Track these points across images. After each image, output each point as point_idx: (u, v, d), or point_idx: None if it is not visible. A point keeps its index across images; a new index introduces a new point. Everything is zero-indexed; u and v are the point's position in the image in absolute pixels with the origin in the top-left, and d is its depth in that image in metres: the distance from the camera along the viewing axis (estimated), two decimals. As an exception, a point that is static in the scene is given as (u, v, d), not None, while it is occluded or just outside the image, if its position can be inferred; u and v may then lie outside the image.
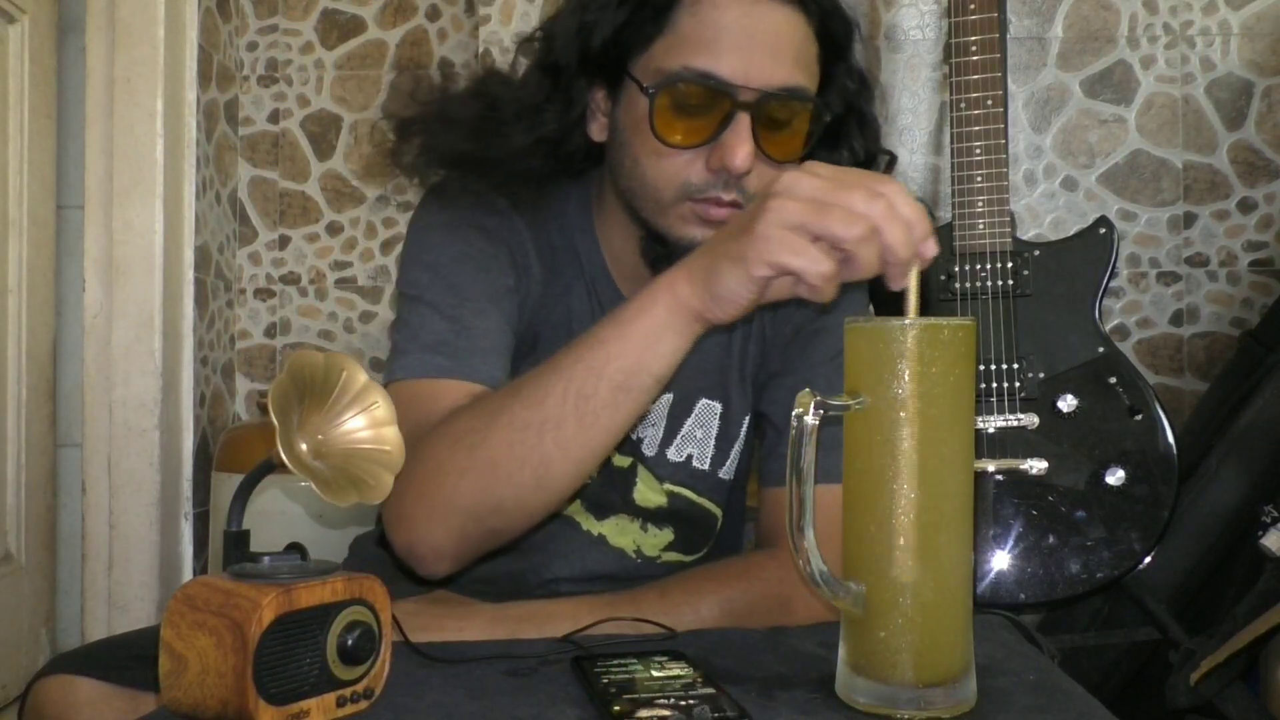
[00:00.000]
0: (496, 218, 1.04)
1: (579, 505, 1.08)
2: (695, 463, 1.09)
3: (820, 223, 0.72)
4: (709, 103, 0.93)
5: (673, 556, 1.12)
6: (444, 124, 1.02)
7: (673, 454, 1.08)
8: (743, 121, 0.93)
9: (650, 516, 1.10)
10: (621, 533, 1.10)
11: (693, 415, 1.08)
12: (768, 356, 1.09)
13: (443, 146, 1.02)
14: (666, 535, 1.12)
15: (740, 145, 0.92)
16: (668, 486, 1.09)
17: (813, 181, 0.74)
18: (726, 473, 1.10)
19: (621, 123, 1.00)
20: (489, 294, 1.01)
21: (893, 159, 1.11)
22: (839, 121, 1.04)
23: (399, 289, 1.05)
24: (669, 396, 1.07)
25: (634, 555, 1.11)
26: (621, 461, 1.08)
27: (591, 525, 1.10)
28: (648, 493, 1.09)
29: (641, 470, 1.08)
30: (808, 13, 0.96)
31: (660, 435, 1.08)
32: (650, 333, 0.81)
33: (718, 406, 1.08)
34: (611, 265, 1.07)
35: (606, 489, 1.08)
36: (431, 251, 1.03)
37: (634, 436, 1.08)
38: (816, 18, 0.97)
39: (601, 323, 0.85)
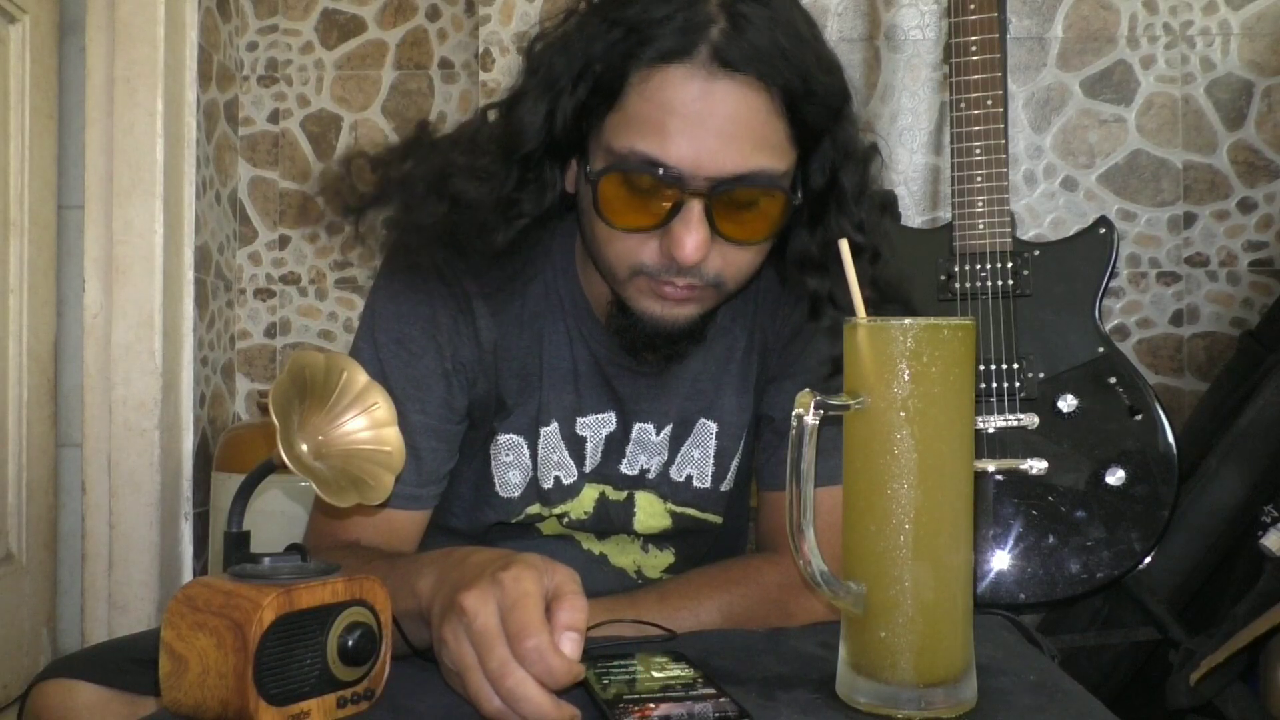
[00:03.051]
0: (447, 287, 1.01)
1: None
2: (696, 482, 1.08)
3: (462, 690, 0.67)
4: (657, 190, 0.86)
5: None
6: (414, 230, 0.98)
7: (675, 474, 1.08)
8: (694, 210, 0.86)
9: (651, 538, 1.10)
10: (622, 552, 1.10)
11: (690, 437, 1.08)
12: (767, 361, 1.08)
13: (418, 251, 0.98)
14: (667, 557, 1.12)
15: (689, 236, 0.86)
16: (670, 506, 1.08)
17: (455, 649, 0.66)
18: (727, 485, 1.10)
19: (581, 190, 0.95)
20: (416, 382, 0.99)
21: (877, 254, 0.98)
22: (819, 196, 0.95)
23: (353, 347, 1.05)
24: (670, 427, 1.07)
25: (634, 575, 1.11)
26: (617, 495, 1.07)
27: (592, 544, 1.10)
28: (648, 519, 1.08)
29: (642, 497, 1.08)
30: (772, 91, 0.86)
31: (664, 460, 1.08)
32: (410, 615, 0.77)
33: (713, 426, 1.07)
34: (594, 303, 1.03)
35: (603, 520, 1.08)
36: (377, 324, 1.02)
37: (635, 470, 1.07)
38: (783, 94, 0.86)
39: (397, 566, 0.81)
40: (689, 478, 1.08)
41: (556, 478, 1.05)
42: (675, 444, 1.07)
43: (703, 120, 0.85)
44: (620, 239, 0.90)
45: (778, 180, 0.89)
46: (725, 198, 0.87)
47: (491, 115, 0.99)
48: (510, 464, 1.04)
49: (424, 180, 0.96)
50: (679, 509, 1.08)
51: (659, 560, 1.11)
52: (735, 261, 0.92)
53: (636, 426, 1.06)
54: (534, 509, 1.06)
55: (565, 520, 1.07)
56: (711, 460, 1.08)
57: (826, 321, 0.97)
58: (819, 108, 0.89)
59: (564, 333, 1.04)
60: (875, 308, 0.96)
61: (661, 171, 0.85)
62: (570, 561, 1.07)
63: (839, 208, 0.96)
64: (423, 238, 0.97)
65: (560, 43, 0.92)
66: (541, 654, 0.63)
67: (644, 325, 0.94)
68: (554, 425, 1.04)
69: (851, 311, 0.75)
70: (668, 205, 0.87)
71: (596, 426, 1.05)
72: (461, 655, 0.65)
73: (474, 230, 0.95)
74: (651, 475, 1.07)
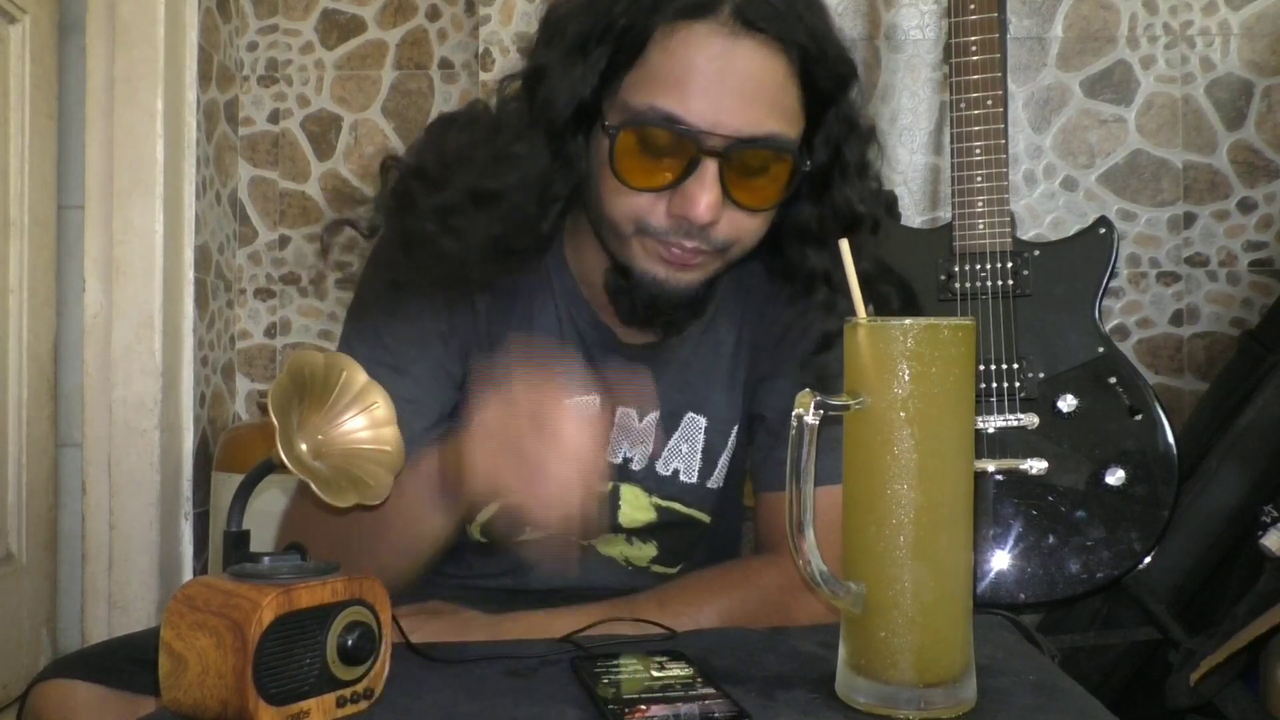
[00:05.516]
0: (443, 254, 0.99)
1: None
2: (682, 476, 1.08)
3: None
4: (673, 147, 0.87)
5: (659, 569, 1.12)
6: (464, 249, 0.94)
7: (660, 468, 1.08)
8: (708, 169, 0.87)
9: (635, 532, 1.10)
10: (608, 544, 1.10)
11: (678, 430, 1.07)
12: (758, 361, 1.08)
13: (464, 258, 0.95)
14: (650, 549, 1.11)
15: (703, 195, 0.86)
16: (656, 500, 1.08)
17: None
18: (714, 482, 1.10)
19: (589, 151, 0.94)
20: (413, 340, 0.99)
21: (876, 223, 0.99)
22: (824, 169, 0.96)
23: (350, 306, 1.04)
24: (655, 415, 1.06)
25: (623, 564, 1.11)
26: (601, 487, 1.07)
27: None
28: (633, 512, 1.08)
29: (627, 490, 1.07)
30: (791, 55, 0.87)
31: (649, 451, 1.07)
32: None
33: (702, 420, 1.07)
34: (582, 282, 1.03)
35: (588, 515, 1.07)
36: (375, 281, 1.01)
37: (620, 459, 1.07)
38: (800, 61, 0.88)
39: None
40: (676, 471, 1.08)
41: None
42: (663, 436, 1.07)
43: (723, 78, 0.85)
44: (631, 197, 0.90)
45: (789, 146, 0.90)
46: (738, 161, 0.87)
47: (499, 100, 0.98)
48: None
49: (460, 193, 0.94)
50: (664, 502, 1.08)
51: (643, 551, 1.11)
52: (742, 228, 0.92)
53: (620, 411, 1.05)
54: None
55: None
56: (699, 455, 1.08)
57: (820, 297, 0.97)
58: (830, 75, 0.90)
59: (553, 313, 1.04)
60: (870, 283, 0.96)
61: (679, 128, 0.86)
62: (558, 552, 1.07)
63: (842, 178, 0.96)
64: (476, 252, 0.94)
65: (580, 5, 0.92)
66: None
67: (646, 288, 0.94)
68: None
69: (849, 305, 0.75)
70: (683, 163, 0.87)
71: (580, 410, 1.05)
72: None
73: (520, 226, 0.94)
74: (636, 466, 1.07)
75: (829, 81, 0.91)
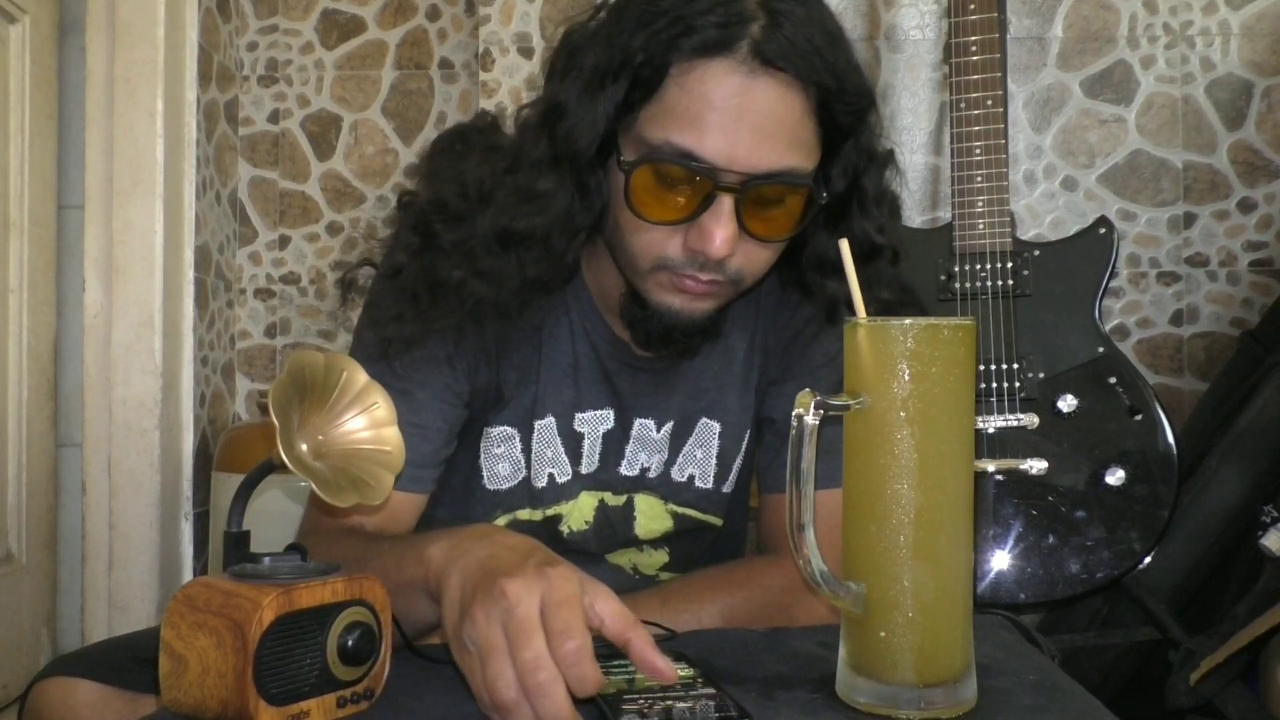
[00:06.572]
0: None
1: None
2: (698, 482, 1.08)
3: (476, 670, 0.65)
4: (689, 182, 0.87)
5: (668, 577, 1.12)
6: (497, 290, 0.94)
7: (676, 474, 1.08)
8: (724, 204, 0.87)
9: (650, 541, 1.10)
10: (618, 553, 1.10)
11: (693, 436, 1.07)
12: (768, 364, 1.08)
13: (496, 299, 0.95)
14: (661, 556, 1.11)
15: (719, 230, 0.87)
16: (672, 507, 1.08)
17: (484, 629, 0.64)
18: (728, 486, 1.10)
19: (608, 183, 0.94)
20: (420, 363, 0.98)
21: (896, 254, 1.00)
22: (841, 199, 0.96)
23: (355, 331, 1.03)
24: (670, 424, 1.06)
25: (631, 572, 1.11)
26: (616, 500, 1.07)
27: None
28: (649, 523, 1.08)
29: (641, 501, 1.07)
30: (809, 91, 0.87)
31: (665, 458, 1.07)
32: (414, 584, 0.76)
33: (716, 426, 1.07)
34: (599, 300, 1.03)
35: (604, 528, 1.07)
36: (380, 311, 1.00)
37: (635, 470, 1.07)
38: (819, 95, 0.88)
39: (404, 538, 0.83)
40: (691, 478, 1.08)
41: (550, 475, 1.04)
42: (676, 443, 1.07)
43: (741, 115, 0.85)
44: (646, 231, 0.90)
45: (805, 179, 0.89)
46: (754, 195, 0.87)
47: (516, 127, 0.97)
48: (500, 456, 1.04)
49: (487, 235, 0.93)
50: (680, 509, 1.08)
51: (654, 559, 1.11)
52: (756, 258, 0.92)
53: (637, 423, 1.05)
54: (524, 513, 1.05)
55: (567, 533, 1.06)
56: (714, 461, 1.08)
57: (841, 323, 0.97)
58: (848, 109, 0.90)
59: (566, 327, 1.03)
60: (894, 311, 0.97)
61: (695, 164, 0.86)
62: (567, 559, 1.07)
63: (861, 211, 0.96)
64: (506, 294, 0.94)
65: (596, 38, 0.91)
66: (580, 657, 0.62)
67: (661, 318, 0.94)
68: (550, 419, 1.04)
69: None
70: (698, 199, 0.87)
71: (594, 423, 1.05)
72: (490, 636, 0.63)
73: (548, 263, 0.94)
74: (652, 475, 1.07)
75: (848, 115, 0.90)
